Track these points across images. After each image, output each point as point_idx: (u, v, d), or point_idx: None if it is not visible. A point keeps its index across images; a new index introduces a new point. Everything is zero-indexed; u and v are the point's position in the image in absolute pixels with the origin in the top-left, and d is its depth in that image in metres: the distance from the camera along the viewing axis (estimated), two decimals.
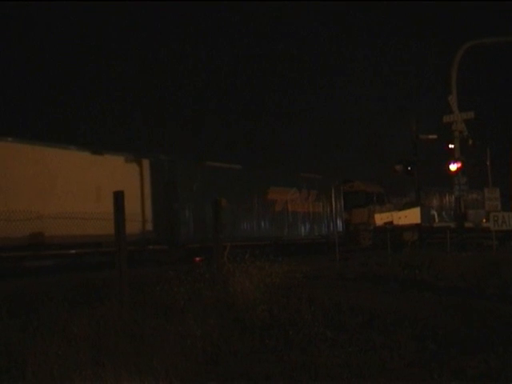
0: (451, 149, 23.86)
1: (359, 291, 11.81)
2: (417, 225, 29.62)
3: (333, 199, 32.17)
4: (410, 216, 29.13)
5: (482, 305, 10.07)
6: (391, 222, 29.42)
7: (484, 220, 30.31)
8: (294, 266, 14.63)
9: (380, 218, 31.88)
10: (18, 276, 15.69)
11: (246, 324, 8.04)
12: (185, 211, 23.99)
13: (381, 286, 13.00)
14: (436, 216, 38.58)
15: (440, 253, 21.25)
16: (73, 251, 19.77)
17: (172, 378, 5.70)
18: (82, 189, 20.02)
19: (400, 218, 29.55)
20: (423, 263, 16.52)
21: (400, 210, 32.18)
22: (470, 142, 23.79)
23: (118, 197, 9.22)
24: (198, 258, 22.26)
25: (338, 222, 32.93)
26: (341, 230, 32.70)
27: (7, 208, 17.34)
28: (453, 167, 23.28)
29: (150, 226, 22.50)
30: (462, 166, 23.21)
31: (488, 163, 24.41)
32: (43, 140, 20.32)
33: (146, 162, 22.75)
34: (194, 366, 6.16)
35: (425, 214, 31.24)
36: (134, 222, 19.96)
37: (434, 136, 24.71)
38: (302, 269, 14.90)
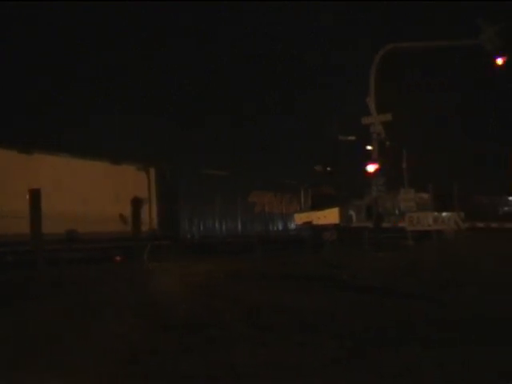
0: (369, 150, 24.35)
1: (281, 290, 11.92)
2: (335, 225, 30.14)
3: (302, 201, 36.34)
4: (329, 216, 29.63)
5: (396, 303, 10.33)
6: (310, 222, 29.83)
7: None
8: (220, 264, 14.64)
9: (299, 218, 32.24)
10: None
11: (167, 324, 8.00)
12: (184, 211, 28.53)
13: (301, 285, 13.16)
14: (354, 216, 39.32)
15: (358, 252, 21.67)
16: (99, 245, 23.69)
17: (92, 379, 5.62)
18: (105, 193, 24.37)
19: (319, 218, 30.02)
20: (342, 263, 16.83)
21: (319, 210, 32.67)
22: (388, 143, 24.32)
23: (35, 195, 9.16)
24: (118, 258, 22.82)
25: None
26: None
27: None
28: (370, 168, 23.75)
29: (155, 225, 26.86)
30: (380, 167, 23.70)
31: (404, 165, 24.99)
32: (75, 152, 24.86)
33: (152, 170, 27.33)
34: (113, 367, 6.09)
35: (343, 214, 31.82)
36: (144, 221, 22.45)
37: (353, 137, 25.17)
38: (227, 268, 14.91)
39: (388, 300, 10.80)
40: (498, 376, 5.79)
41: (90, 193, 23.88)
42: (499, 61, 23.27)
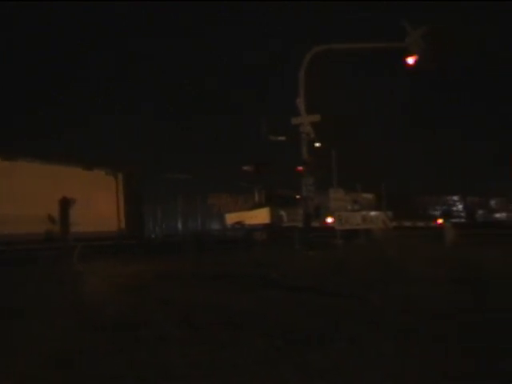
0: (299, 151, 24.58)
1: (211, 290, 11.94)
2: (266, 225, 30.31)
3: (256, 202, 37.03)
4: (260, 216, 29.80)
5: (325, 301, 10.48)
6: (241, 222, 29.93)
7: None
8: (153, 264, 14.54)
9: (231, 218, 32.29)
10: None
11: (96, 325, 7.92)
12: (148, 213, 31.92)
13: (232, 284, 13.20)
14: (285, 216, 39.65)
15: (289, 252, 21.86)
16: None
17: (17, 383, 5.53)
18: (79, 196, 25.79)
19: (250, 218, 30.14)
20: (272, 262, 16.95)
21: (250, 209, 32.79)
22: (317, 144, 24.61)
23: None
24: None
25: None
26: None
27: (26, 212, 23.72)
28: (300, 168, 23.97)
29: (123, 225, 29.12)
30: (309, 167, 23.94)
31: (333, 165, 25.36)
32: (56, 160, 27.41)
33: (120, 175, 29.69)
34: (43, 370, 6.00)
35: (274, 214, 32.03)
36: (113, 222, 27.88)
37: (283, 138, 25.34)
38: (161, 268, 14.82)
39: (317, 299, 10.95)
40: (436, 374, 5.95)
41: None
42: (410, 60, 23.81)
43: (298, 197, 38.33)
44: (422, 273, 12.39)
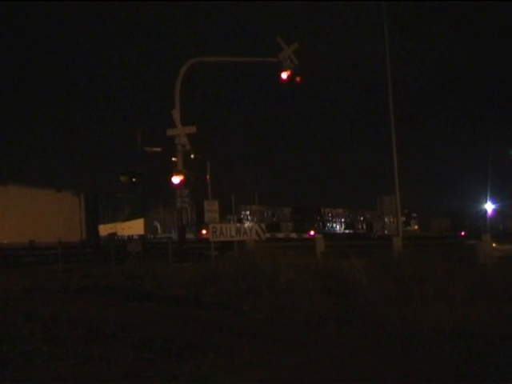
0: (175, 162, 24.49)
1: (81, 303, 11.70)
2: (140, 236, 29.98)
3: (188, 216, 39.15)
4: (134, 227, 29.47)
5: (199, 313, 10.52)
6: (115, 233, 29.46)
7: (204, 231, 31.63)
8: (15, 278, 14.05)
9: (104, 229, 31.73)
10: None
11: None
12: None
13: (104, 297, 12.99)
14: (159, 227, 39.45)
15: (162, 263, 21.70)
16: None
17: None
18: (51, 214, 33.65)
19: (124, 228, 29.74)
20: (146, 274, 16.80)
21: (124, 220, 32.37)
22: (192, 155, 24.62)
23: None
24: None
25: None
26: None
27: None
28: (175, 180, 23.88)
29: (84, 236, 35.34)
30: (185, 178, 23.89)
31: (208, 177, 25.40)
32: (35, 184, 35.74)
33: (82, 195, 36.66)
34: None
35: (148, 225, 31.76)
36: (77, 233, 34.44)
37: (159, 149, 25.14)
38: (25, 281, 14.35)
39: (190, 310, 10.98)
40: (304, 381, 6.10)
41: (42, 214, 33.52)
42: (284, 75, 24.36)
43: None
44: (291, 283, 12.65)
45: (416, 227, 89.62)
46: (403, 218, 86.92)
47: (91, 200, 37.35)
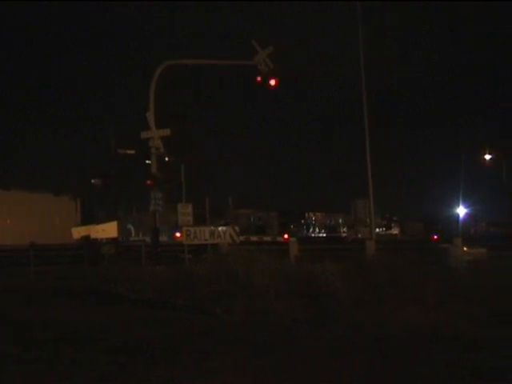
0: (149, 164, 24.38)
1: (55, 306, 11.60)
2: (114, 239, 29.74)
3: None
4: (108, 230, 29.15)
5: (172, 316, 10.49)
6: (88, 236, 29.19)
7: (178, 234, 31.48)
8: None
9: (77, 232, 31.46)
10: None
11: None
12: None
13: (77, 300, 12.90)
14: (133, 230, 39.25)
15: (136, 266, 21.60)
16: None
17: None
18: (51, 217, 37.40)
19: (97, 231, 29.45)
20: (119, 277, 16.70)
21: (98, 223, 32.10)
22: (167, 158, 24.53)
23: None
24: None
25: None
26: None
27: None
28: (149, 182, 23.78)
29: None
30: (157, 181, 23.78)
31: (182, 179, 25.33)
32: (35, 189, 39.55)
33: (78, 200, 40.37)
34: None
35: (121, 228, 31.53)
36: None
37: (132, 151, 25.02)
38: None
39: (164, 313, 10.94)
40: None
41: (43, 216, 37.86)
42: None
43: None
44: (265, 286, 12.65)
45: (396, 231, 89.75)
46: (384, 222, 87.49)
47: (87, 204, 40.85)
